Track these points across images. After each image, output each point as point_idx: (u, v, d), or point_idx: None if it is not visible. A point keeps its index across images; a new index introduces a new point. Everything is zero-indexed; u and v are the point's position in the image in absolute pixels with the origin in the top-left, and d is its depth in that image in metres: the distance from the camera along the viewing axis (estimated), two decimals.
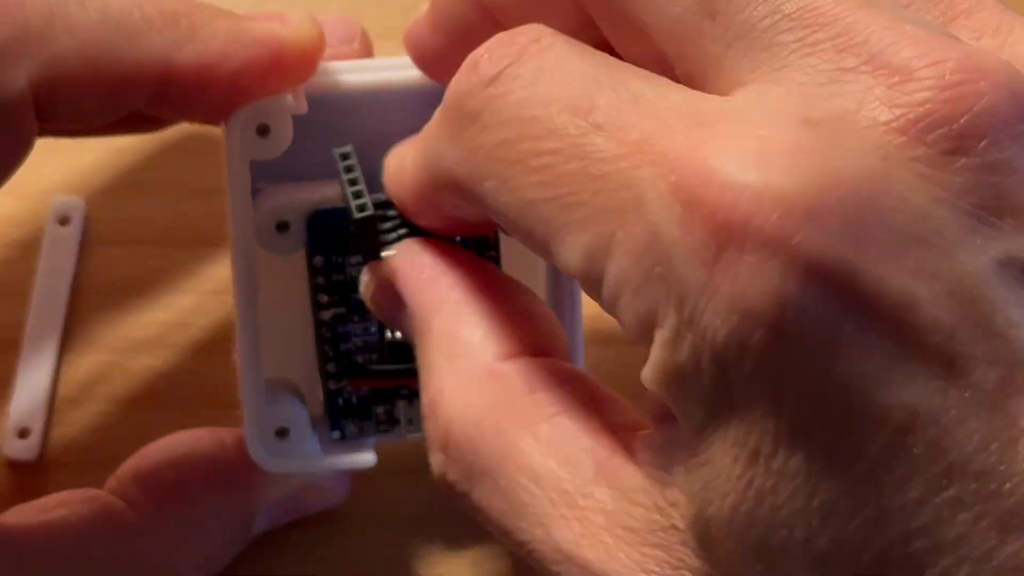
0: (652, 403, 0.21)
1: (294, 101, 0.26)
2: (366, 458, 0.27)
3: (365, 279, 0.25)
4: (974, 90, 0.17)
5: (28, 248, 0.31)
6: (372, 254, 0.25)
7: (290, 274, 0.28)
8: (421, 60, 0.26)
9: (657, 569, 0.19)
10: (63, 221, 0.31)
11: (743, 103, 0.18)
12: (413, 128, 0.23)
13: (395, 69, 0.27)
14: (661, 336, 0.18)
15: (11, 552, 0.24)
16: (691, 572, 0.19)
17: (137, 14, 0.25)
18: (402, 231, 0.24)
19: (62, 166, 0.32)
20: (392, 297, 0.24)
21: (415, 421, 0.27)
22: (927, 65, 0.17)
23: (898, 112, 0.17)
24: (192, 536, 0.26)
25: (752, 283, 0.17)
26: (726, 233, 0.17)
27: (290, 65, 0.26)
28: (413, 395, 0.27)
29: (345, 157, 0.24)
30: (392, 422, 0.27)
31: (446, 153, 0.21)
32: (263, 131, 0.26)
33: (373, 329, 0.27)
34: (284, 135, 0.26)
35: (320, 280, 0.27)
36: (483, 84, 0.20)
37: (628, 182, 0.18)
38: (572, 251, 0.19)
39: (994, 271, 0.17)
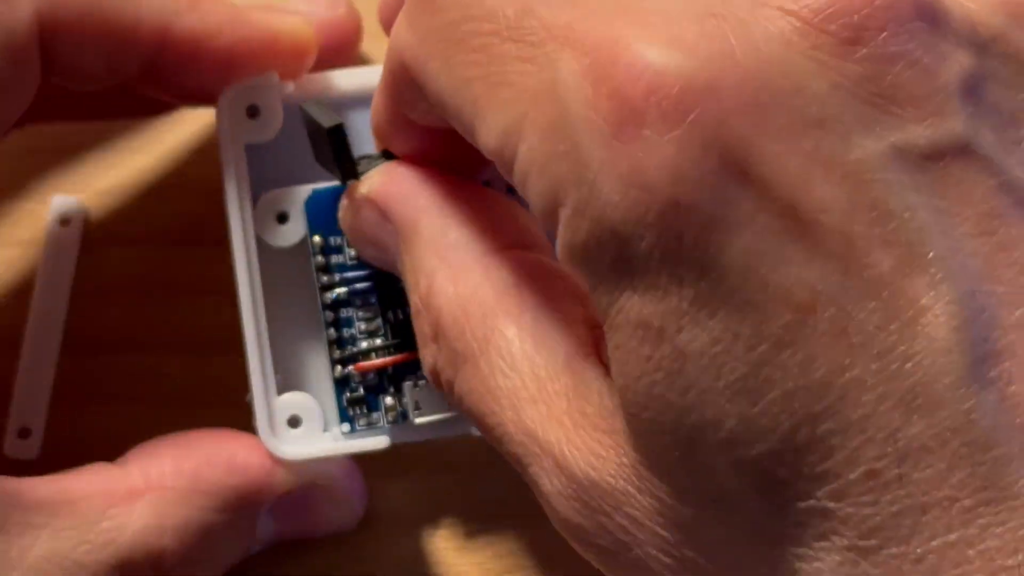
0: None
1: (281, 81, 0.27)
2: (379, 440, 0.27)
3: (344, 203, 0.26)
4: None
5: (28, 248, 0.31)
6: (348, 171, 0.25)
7: (295, 273, 0.28)
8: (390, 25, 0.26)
9: (604, 454, 0.20)
10: (63, 221, 0.31)
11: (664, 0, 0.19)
12: None
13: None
14: (564, 214, 0.18)
15: None
16: (628, 459, 0.19)
17: None
18: (377, 162, 0.25)
19: (62, 166, 0.32)
20: (373, 214, 0.24)
21: (422, 405, 0.27)
22: None
23: (801, 4, 0.18)
24: (190, 510, 0.26)
25: (649, 157, 0.17)
26: (627, 108, 0.17)
27: (282, 53, 0.27)
28: (420, 377, 0.27)
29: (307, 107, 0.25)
30: (401, 414, 0.27)
31: (403, 39, 0.22)
32: (253, 113, 0.27)
33: (375, 311, 0.27)
34: (274, 117, 0.27)
35: (320, 260, 0.27)
36: None
37: (549, 64, 0.18)
38: (491, 130, 0.19)
39: (891, 156, 0.17)
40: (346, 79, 0.28)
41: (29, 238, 0.31)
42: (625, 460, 0.19)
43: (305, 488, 0.28)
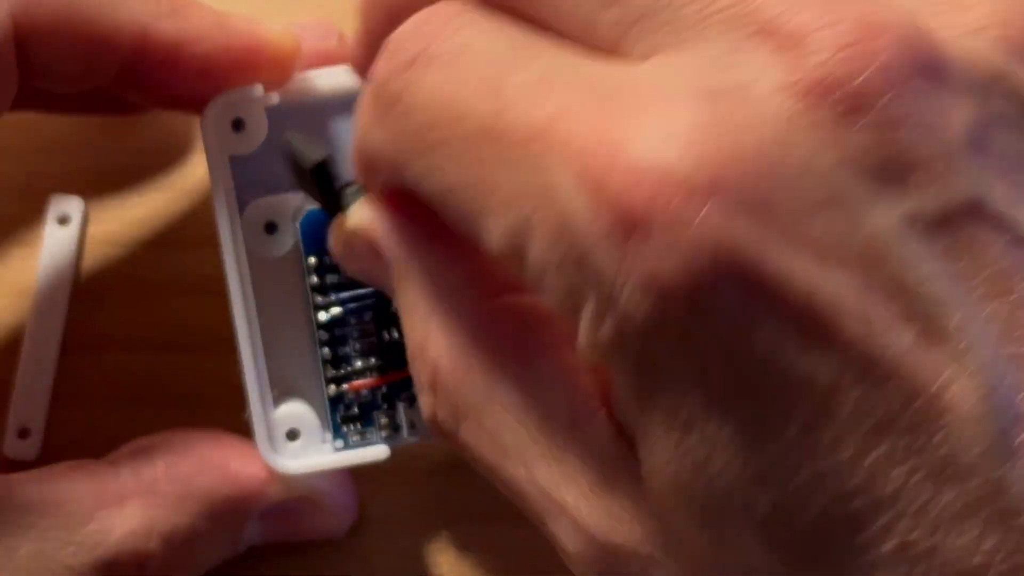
0: None
1: (264, 93, 0.27)
2: (378, 451, 0.27)
3: (333, 235, 0.25)
4: (870, 49, 0.17)
5: (28, 248, 0.31)
6: (334, 205, 0.25)
7: (286, 283, 0.28)
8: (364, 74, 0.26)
9: (627, 517, 0.19)
10: (63, 221, 0.31)
11: (645, 77, 0.18)
12: None
13: None
14: (585, 315, 0.18)
15: None
16: (653, 526, 0.19)
17: None
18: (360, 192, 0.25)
19: (62, 166, 0.31)
20: (364, 247, 0.24)
21: (417, 425, 0.27)
22: (822, 27, 0.17)
23: (796, 77, 0.17)
24: (179, 516, 0.26)
25: (662, 264, 0.17)
26: (632, 217, 0.17)
27: (263, 62, 0.27)
28: (413, 398, 0.27)
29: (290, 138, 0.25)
30: (394, 428, 0.27)
31: (374, 136, 0.21)
32: (238, 125, 0.27)
33: (370, 331, 0.27)
34: (259, 128, 0.27)
35: (315, 280, 0.27)
36: (402, 68, 0.20)
37: (538, 166, 0.18)
38: (493, 234, 0.19)
39: (902, 228, 0.17)
40: (329, 79, 0.27)
41: (28, 238, 0.31)
42: (650, 527, 0.19)
43: (296, 499, 0.27)
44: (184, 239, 0.31)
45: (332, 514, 0.29)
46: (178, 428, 0.29)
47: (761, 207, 0.17)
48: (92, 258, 0.31)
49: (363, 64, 0.23)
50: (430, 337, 0.22)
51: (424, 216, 0.23)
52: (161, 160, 0.32)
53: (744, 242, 0.17)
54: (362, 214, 0.24)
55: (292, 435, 0.27)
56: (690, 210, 0.17)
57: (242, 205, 0.27)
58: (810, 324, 0.17)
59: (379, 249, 0.24)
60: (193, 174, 0.32)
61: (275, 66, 0.27)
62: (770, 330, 0.17)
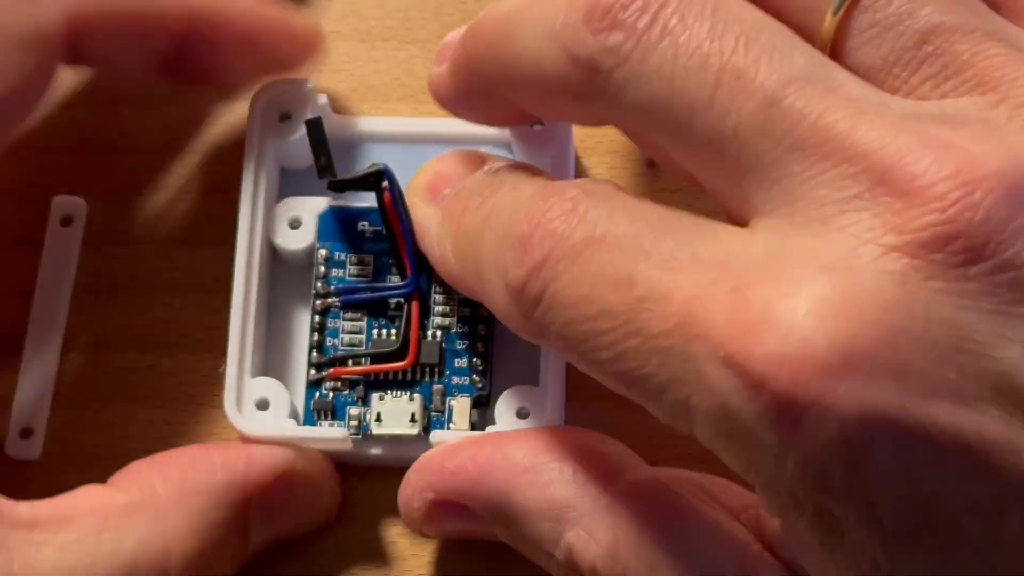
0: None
1: (315, 89, 0.29)
2: (338, 432, 0.28)
3: (406, 505, 0.26)
4: (971, 203, 0.18)
5: (30, 248, 0.31)
6: (324, 166, 0.27)
7: (296, 275, 0.29)
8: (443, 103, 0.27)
9: None
10: (65, 221, 0.31)
11: (763, 251, 0.20)
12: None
13: (404, 124, 0.30)
14: (758, 485, 0.20)
15: None
16: None
17: None
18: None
19: (63, 166, 0.32)
20: (443, 509, 0.25)
21: (384, 418, 0.28)
22: (927, 186, 0.18)
23: (906, 239, 0.18)
24: (186, 511, 0.26)
25: (817, 439, 0.18)
26: (781, 400, 0.18)
27: (299, 42, 0.29)
28: (389, 392, 0.28)
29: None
30: (363, 430, 0.28)
31: (520, 328, 0.23)
32: (284, 118, 0.29)
33: (361, 328, 0.28)
34: (302, 121, 0.28)
35: (321, 270, 0.28)
36: (536, 269, 0.22)
37: (685, 356, 0.20)
38: (657, 411, 0.21)
39: None
40: (374, 124, 0.30)
41: (31, 238, 0.31)
42: None
43: (286, 478, 0.28)
44: (185, 239, 0.31)
45: (322, 490, 0.29)
46: (178, 428, 0.30)
47: (895, 368, 0.18)
48: (93, 258, 0.31)
49: (446, 93, 0.26)
50: (575, 552, 0.24)
51: (498, 451, 0.25)
52: (162, 160, 0.32)
53: (886, 404, 0.18)
54: (432, 479, 0.26)
55: (262, 405, 0.28)
56: (831, 388, 0.18)
57: (275, 199, 0.29)
58: (963, 460, 0.18)
59: (471, 503, 0.25)
60: (196, 173, 0.32)
61: (306, 44, 0.29)
62: (932, 476, 0.18)
